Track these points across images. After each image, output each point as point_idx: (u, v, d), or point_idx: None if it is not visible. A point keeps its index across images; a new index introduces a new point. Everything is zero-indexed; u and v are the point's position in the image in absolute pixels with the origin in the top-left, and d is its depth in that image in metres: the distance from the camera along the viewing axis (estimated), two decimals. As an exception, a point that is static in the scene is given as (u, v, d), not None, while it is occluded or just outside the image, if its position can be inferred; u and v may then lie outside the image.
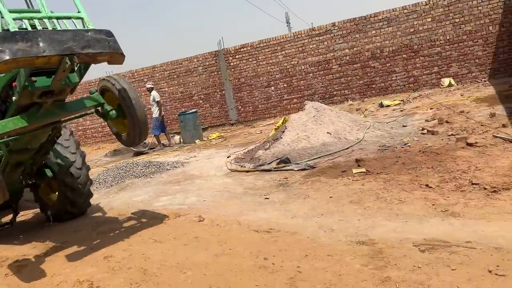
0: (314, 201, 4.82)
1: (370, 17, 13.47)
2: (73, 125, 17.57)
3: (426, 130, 7.12)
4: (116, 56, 3.59)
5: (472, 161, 5.06)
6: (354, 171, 5.53)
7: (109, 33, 3.60)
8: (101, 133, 17.80)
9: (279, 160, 6.74)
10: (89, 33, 3.47)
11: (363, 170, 5.49)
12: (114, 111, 4.43)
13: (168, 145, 12.77)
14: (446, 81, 12.33)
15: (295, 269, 3.21)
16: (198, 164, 8.41)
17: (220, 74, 15.71)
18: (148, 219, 5.23)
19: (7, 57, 3.01)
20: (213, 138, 12.79)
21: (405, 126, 7.90)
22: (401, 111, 9.98)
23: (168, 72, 16.42)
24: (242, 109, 15.80)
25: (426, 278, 2.79)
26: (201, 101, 16.17)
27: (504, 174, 4.49)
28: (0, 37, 3.08)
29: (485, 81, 12.14)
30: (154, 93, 12.63)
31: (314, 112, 7.78)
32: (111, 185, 7.72)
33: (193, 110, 13.16)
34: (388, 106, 11.13)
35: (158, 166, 8.39)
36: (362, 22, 13.56)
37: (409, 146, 6.33)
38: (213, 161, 8.34)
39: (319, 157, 6.57)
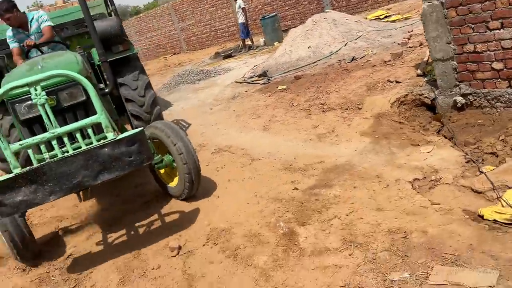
0: (227, 113, 6.72)
1: None
2: (206, 27, 20.91)
3: (400, 42, 7.50)
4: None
5: (349, 81, 5.98)
6: (278, 87, 6.99)
7: (131, 141, 3.04)
8: (227, 33, 20.65)
9: (260, 73, 8.39)
10: (106, 149, 2.98)
11: (284, 87, 6.90)
12: (166, 161, 3.87)
13: (252, 47, 14.78)
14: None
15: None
16: (233, 72, 10.50)
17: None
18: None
19: (8, 212, 2.88)
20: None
21: (390, 36, 8.19)
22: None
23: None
24: (336, 4, 16.13)
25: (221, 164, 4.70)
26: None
27: (343, 97, 5.51)
28: (1, 186, 2.80)
29: None
30: (239, 1, 14.43)
31: (310, 26, 8.73)
32: (169, 87, 10.67)
33: (272, 14, 14.54)
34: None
35: (205, 74, 10.84)
36: None
37: (353, 62, 7.14)
38: (243, 70, 10.30)
39: (285, 72, 7.96)
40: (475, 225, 2.67)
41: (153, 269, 3.23)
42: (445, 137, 4.28)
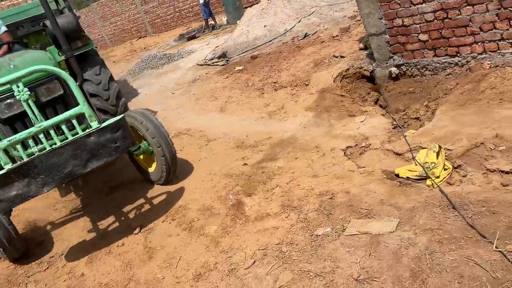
0: (187, 97, 7.01)
1: None
2: (170, 8, 20.76)
3: (350, 16, 7.83)
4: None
5: (299, 59, 6.32)
6: (235, 68, 7.28)
7: (116, 127, 3.20)
8: (191, 13, 20.55)
9: (220, 54, 8.64)
10: (92, 137, 3.11)
11: (241, 68, 7.20)
12: (143, 147, 4.06)
13: (215, 27, 14.90)
14: None
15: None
16: (195, 55, 10.69)
17: None
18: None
19: (4, 207, 2.98)
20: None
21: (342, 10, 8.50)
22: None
23: None
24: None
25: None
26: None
27: (293, 74, 5.86)
28: None
29: None
30: (198, -17, 14.45)
31: (265, 4, 8.97)
32: (134, 74, 10.82)
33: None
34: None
35: (168, 58, 11.00)
36: None
37: (306, 38, 7.46)
38: (205, 52, 10.50)
39: (243, 52, 8.23)
40: (389, 183, 3.10)
41: (117, 246, 3.58)
42: (381, 106, 4.71)
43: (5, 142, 3.14)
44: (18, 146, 3.20)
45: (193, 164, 4.49)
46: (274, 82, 5.96)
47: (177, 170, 4.20)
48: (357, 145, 3.87)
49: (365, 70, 5.17)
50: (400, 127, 3.95)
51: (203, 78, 7.73)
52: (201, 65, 8.91)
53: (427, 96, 4.26)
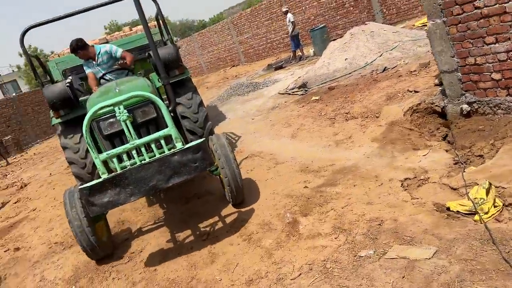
0: (264, 122, 7.52)
1: None
2: (262, 39, 21.98)
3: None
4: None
5: (373, 92, 6.52)
6: (312, 98, 7.66)
7: (197, 149, 3.55)
8: (282, 44, 21.50)
9: (300, 85, 9.10)
10: (176, 156, 3.50)
11: (317, 98, 7.56)
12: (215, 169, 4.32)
13: (302, 57, 15.47)
14: None
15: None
16: (279, 84, 11.29)
17: (366, -20, 16.45)
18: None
19: (97, 211, 3.41)
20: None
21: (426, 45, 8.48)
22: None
23: (324, -18, 18.14)
24: (387, 12, 16.36)
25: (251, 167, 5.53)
26: (351, 8, 17.47)
27: (365, 106, 6.08)
28: (92, 189, 3.33)
29: None
30: (289, 15, 15.23)
31: (348, 38, 9.28)
32: (222, 99, 11.71)
33: (321, 26, 15.16)
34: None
35: (254, 86, 11.73)
36: None
37: (384, 72, 7.63)
38: (288, 81, 11.05)
39: (322, 83, 8.60)
40: (437, 214, 3.20)
41: (186, 249, 4.08)
42: (449, 142, 4.73)
43: (104, 155, 3.68)
44: (114, 159, 3.72)
45: (260, 184, 4.89)
46: (346, 113, 6.21)
47: (243, 195, 4.42)
48: (415, 177, 3.98)
49: (436, 105, 5.22)
50: (462, 163, 3.98)
51: (281, 106, 8.21)
52: (282, 94, 9.43)
53: (494, 135, 4.23)
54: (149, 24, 6.88)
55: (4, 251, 5.37)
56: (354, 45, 9.09)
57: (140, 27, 7.74)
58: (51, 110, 5.23)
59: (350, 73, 8.43)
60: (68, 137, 5.08)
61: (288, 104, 8.17)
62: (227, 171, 4.07)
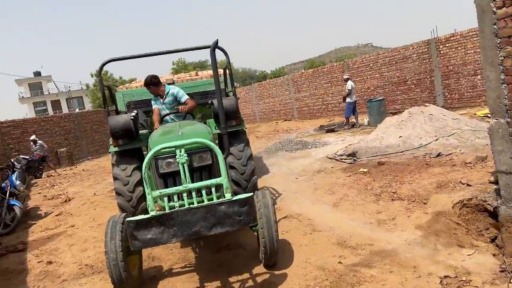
0: (308, 184, 7.52)
1: None
2: (318, 100, 22.39)
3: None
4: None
5: (424, 176, 6.39)
6: (360, 169, 7.61)
7: (244, 203, 3.54)
8: (337, 108, 21.73)
9: (350, 153, 9.10)
10: (223, 206, 3.50)
11: (365, 170, 7.51)
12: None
13: (355, 125, 15.51)
14: None
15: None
16: (328, 147, 11.33)
17: (431, 61, 16.57)
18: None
19: (138, 246, 3.42)
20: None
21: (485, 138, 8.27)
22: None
23: (388, 58, 18.45)
24: (449, 96, 16.23)
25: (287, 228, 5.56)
26: (413, 86, 17.53)
27: (413, 189, 5.96)
28: (138, 224, 3.38)
29: None
30: (349, 82, 15.51)
31: (406, 117, 9.27)
32: (269, 152, 11.87)
33: (379, 99, 15.25)
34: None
35: (303, 145, 11.85)
36: None
37: (438, 158, 7.49)
38: (338, 147, 11.08)
39: (372, 156, 8.55)
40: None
41: (209, 300, 4.06)
42: (498, 246, 4.50)
43: (157, 193, 3.79)
44: (165, 198, 3.84)
45: (294, 248, 4.84)
46: (393, 192, 6.11)
47: (277, 258, 4.34)
48: (456, 277, 3.79)
49: (488, 204, 5.02)
50: (509, 273, 3.76)
51: (327, 171, 8.20)
52: (330, 158, 9.44)
53: (551, 249, 3.99)
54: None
55: (38, 262, 5.57)
56: (410, 124, 9.05)
57: (205, 73, 8.26)
58: (111, 138, 5.49)
59: (402, 152, 8.35)
60: (121, 168, 5.29)
61: (334, 170, 8.15)
62: (265, 233, 4.03)
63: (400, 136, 8.84)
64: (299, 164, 9.64)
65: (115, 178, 5.34)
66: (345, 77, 16.09)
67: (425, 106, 9.99)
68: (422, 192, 5.81)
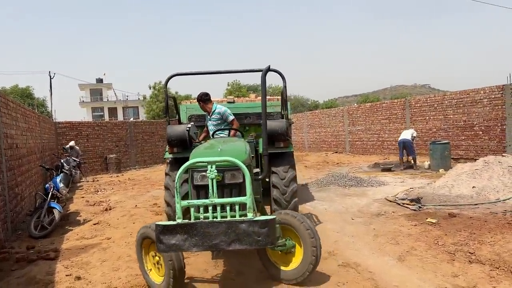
0: (366, 228, 6.71)
1: None
2: (374, 135, 21.38)
3: None
4: None
5: (508, 238, 5.45)
6: (427, 219, 6.72)
7: (264, 224, 3.61)
8: (393, 146, 20.60)
9: (413, 198, 8.20)
10: (244, 224, 3.60)
11: (434, 221, 6.61)
12: (287, 245, 4.31)
13: (414, 167, 14.42)
14: None
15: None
16: (386, 188, 10.41)
17: (504, 108, 15.28)
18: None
19: (163, 249, 3.64)
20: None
21: None
22: None
23: (455, 100, 17.28)
24: (521, 147, 14.79)
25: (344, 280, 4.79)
26: (480, 132, 16.20)
27: (497, 253, 5.05)
28: (165, 228, 3.60)
29: None
30: (412, 130, 14.84)
31: (480, 166, 8.26)
32: (320, 185, 11.12)
33: (444, 142, 14.12)
34: None
35: (358, 182, 10.99)
36: None
37: (521, 217, 6.48)
38: (397, 189, 10.14)
39: (440, 205, 7.60)
40: None
41: None
42: None
43: (185, 203, 3.90)
44: (192, 208, 3.93)
45: (352, 307, 4.08)
46: (470, 252, 5.20)
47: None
48: None
49: None
50: None
51: (388, 216, 7.35)
52: (390, 201, 8.56)
53: None
54: (274, 97, 7.91)
55: (66, 275, 5.14)
56: (486, 175, 8.04)
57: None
58: (167, 146, 5.96)
59: (476, 205, 7.35)
60: (172, 179, 5.60)
61: (396, 216, 7.28)
62: (318, 251, 4.23)
63: (473, 187, 7.85)
64: (354, 203, 8.82)
65: (166, 188, 5.71)
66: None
67: (503, 156, 8.92)
68: (508, 259, 4.87)
